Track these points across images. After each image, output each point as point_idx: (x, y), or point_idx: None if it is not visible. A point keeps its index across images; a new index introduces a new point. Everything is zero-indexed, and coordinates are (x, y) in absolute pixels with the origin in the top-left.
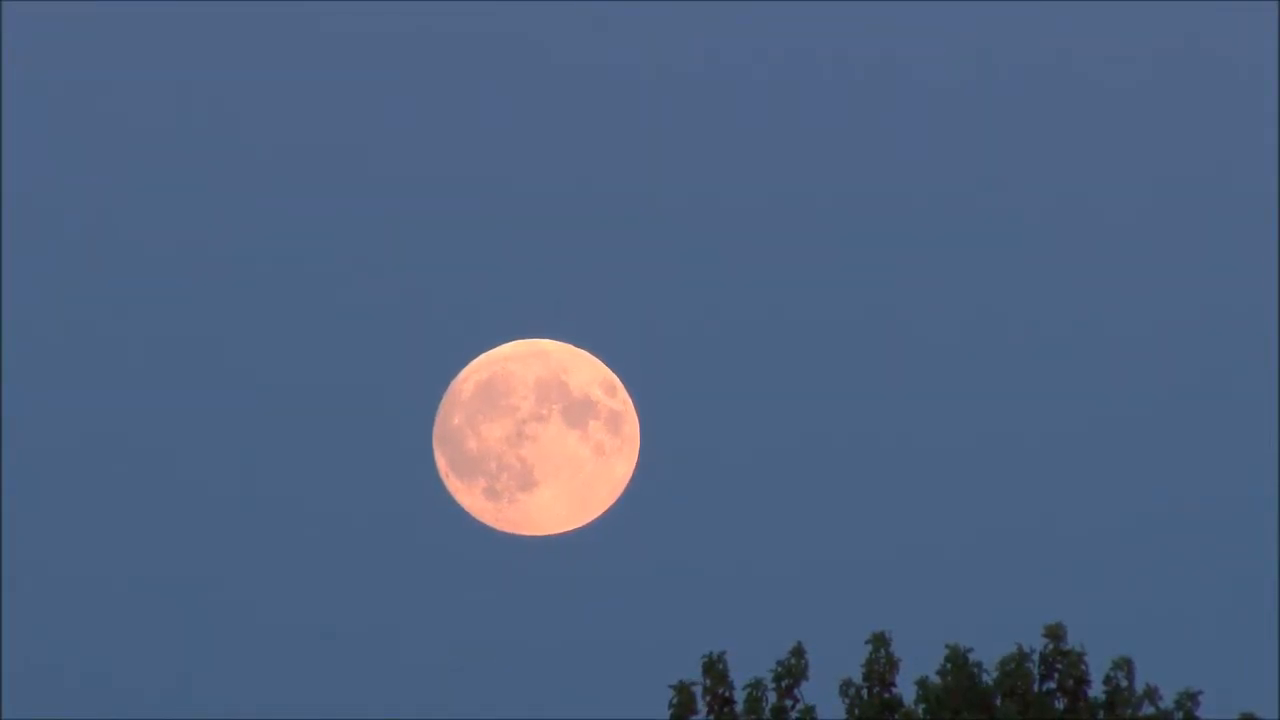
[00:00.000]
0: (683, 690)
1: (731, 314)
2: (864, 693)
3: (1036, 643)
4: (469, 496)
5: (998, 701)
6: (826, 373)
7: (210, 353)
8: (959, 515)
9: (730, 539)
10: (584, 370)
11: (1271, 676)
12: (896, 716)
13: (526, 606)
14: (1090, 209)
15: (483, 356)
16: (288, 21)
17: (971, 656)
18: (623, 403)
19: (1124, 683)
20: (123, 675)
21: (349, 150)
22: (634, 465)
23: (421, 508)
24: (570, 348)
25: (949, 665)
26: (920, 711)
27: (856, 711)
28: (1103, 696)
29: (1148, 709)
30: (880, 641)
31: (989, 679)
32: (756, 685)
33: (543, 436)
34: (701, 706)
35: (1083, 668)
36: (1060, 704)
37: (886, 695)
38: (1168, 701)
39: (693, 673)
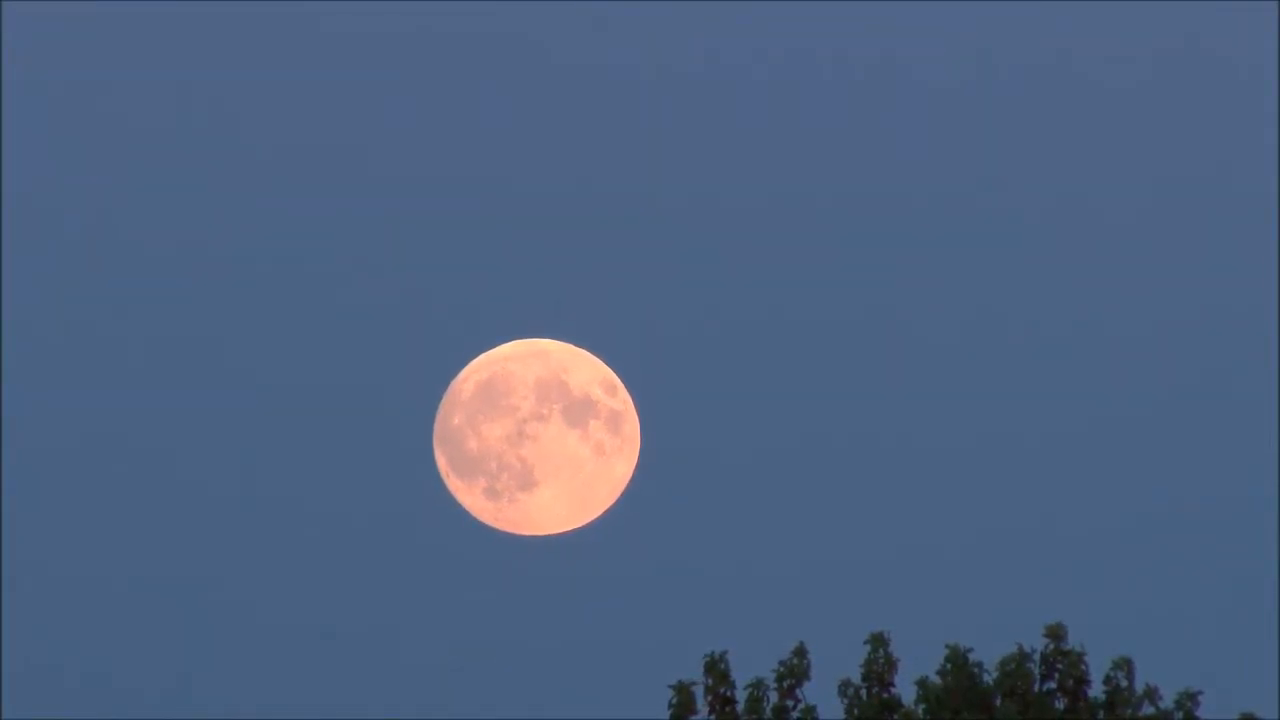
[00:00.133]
0: (682, 690)
1: (731, 314)
2: (863, 693)
3: (1036, 643)
4: (469, 496)
5: (998, 701)
6: (826, 373)
7: (210, 353)
8: (959, 515)
9: (730, 539)
10: (584, 370)
11: (1271, 676)
12: (896, 716)
13: (526, 606)
14: (1090, 209)
15: (483, 356)
16: (288, 21)
17: (971, 656)
18: (623, 402)
19: (1124, 683)
20: (123, 675)
21: (349, 150)
22: (634, 465)
23: (422, 508)
24: (570, 347)
25: (949, 665)
26: (920, 711)
27: (855, 712)
28: (1103, 696)
29: (1148, 709)
30: (879, 642)
31: (989, 679)
32: (758, 685)
33: (543, 436)
34: (702, 706)
35: (1083, 668)
36: (1060, 704)
37: (885, 695)
38: (1168, 701)
39: (693, 673)
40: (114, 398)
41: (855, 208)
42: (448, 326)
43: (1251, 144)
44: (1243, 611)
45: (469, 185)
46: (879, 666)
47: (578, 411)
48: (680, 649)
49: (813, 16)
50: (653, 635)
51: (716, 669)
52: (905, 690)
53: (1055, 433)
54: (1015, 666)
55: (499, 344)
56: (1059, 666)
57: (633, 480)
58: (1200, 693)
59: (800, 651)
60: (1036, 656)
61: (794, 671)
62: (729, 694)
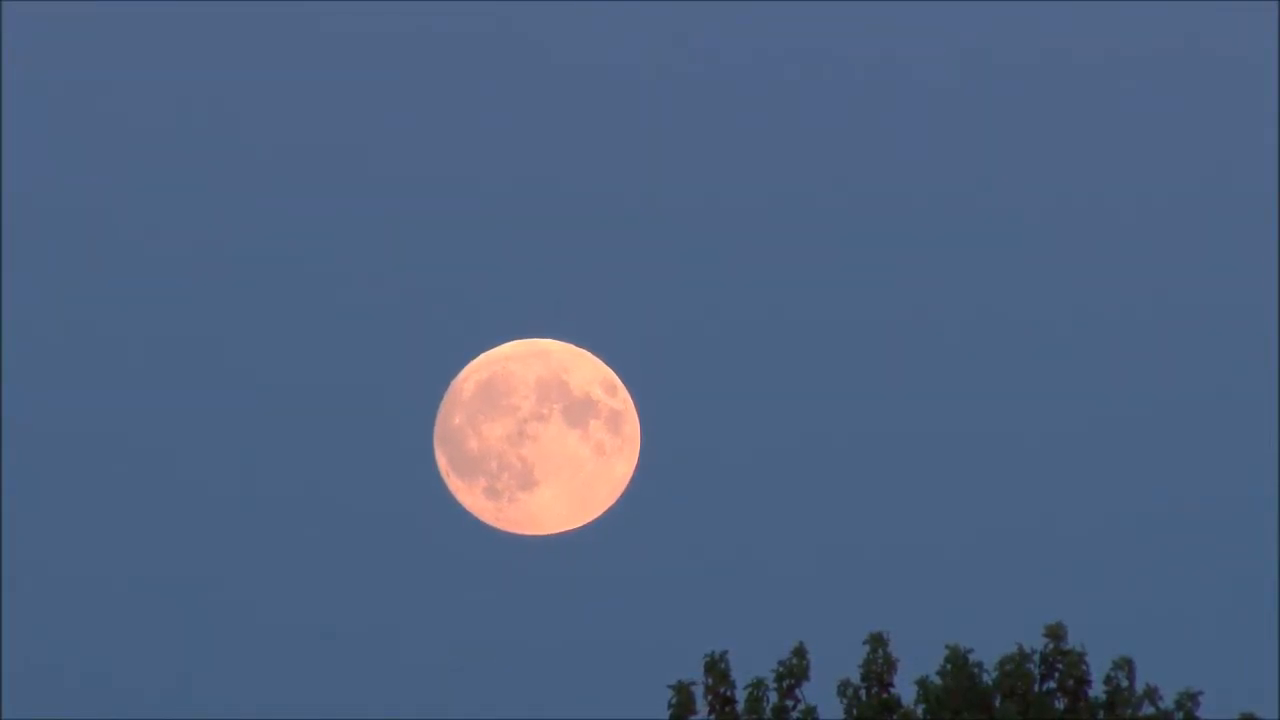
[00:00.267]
0: (682, 690)
1: (731, 314)
2: (862, 693)
3: (1036, 643)
4: (470, 496)
5: (998, 702)
6: (826, 372)
7: (210, 353)
8: (959, 515)
9: (730, 539)
10: (584, 370)
11: (1271, 676)
12: (895, 717)
13: (526, 606)
14: (1090, 209)
15: (483, 356)
16: (288, 21)
17: (971, 656)
18: (623, 402)
19: (1124, 683)
20: (123, 675)
21: (349, 150)
22: (634, 465)
23: (422, 507)
24: (571, 347)
25: (949, 665)
26: (920, 712)
27: (855, 712)
28: (1103, 696)
29: (1148, 709)
30: (878, 642)
31: (989, 679)
32: (758, 685)
33: (543, 436)
34: (702, 706)
35: (1083, 668)
36: (1060, 704)
37: (885, 695)
38: (1168, 701)
39: (693, 673)
40: (114, 398)
41: (855, 208)
42: (448, 326)
43: (1251, 144)
44: (1243, 611)
45: (469, 185)
46: (878, 666)
47: (578, 411)
48: (680, 649)
49: (813, 16)
50: (653, 635)
51: (716, 669)
52: (905, 690)
53: (1055, 433)
54: (1015, 666)
55: (499, 344)
56: (1059, 666)
57: (633, 480)
58: (1200, 693)
59: (800, 651)
60: (1036, 656)
61: (793, 671)
62: (729, 694)
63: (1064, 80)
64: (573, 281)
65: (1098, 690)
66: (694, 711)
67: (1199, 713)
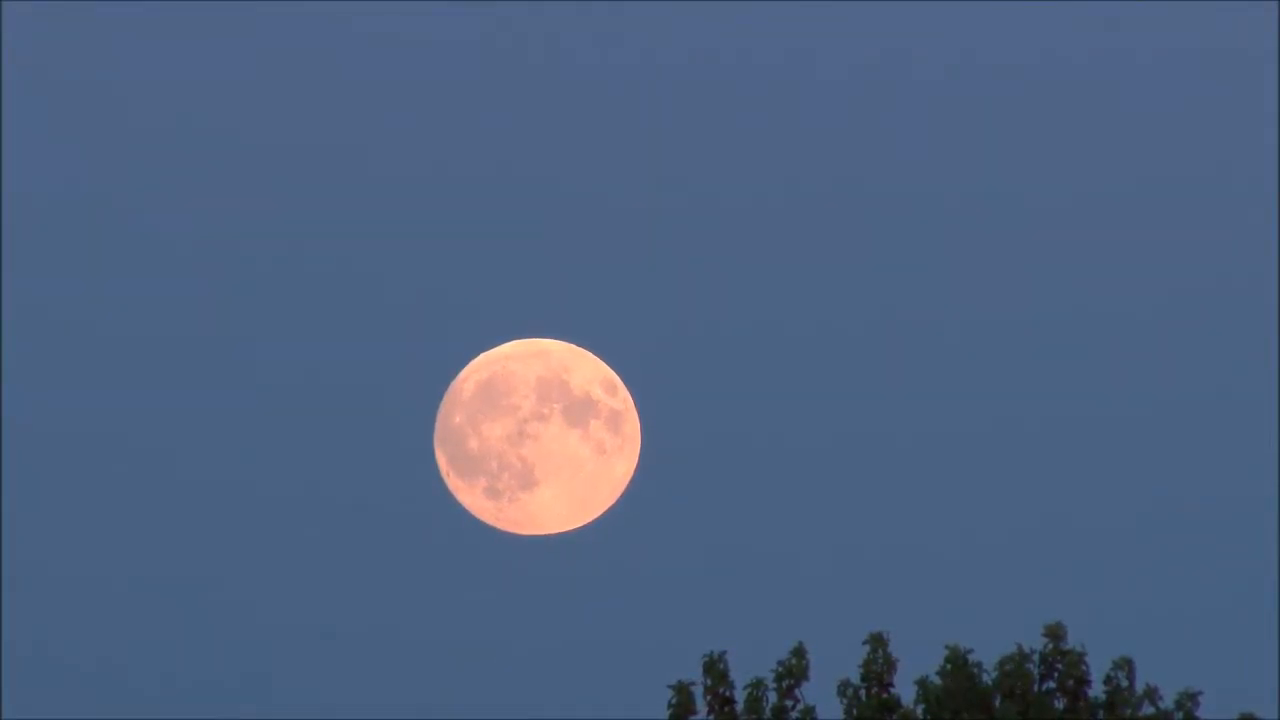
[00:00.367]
0: (682, 690)
1: (731, 314)
2: (862, 693)
3: (1036, 643)
4: (470, 496)
5: (998, 702)
6: (827, 373)
7: (210, 353)
8: (959, 515)
9: (730, 539)
10: (585, 369)
11: (1271, 676)
12: (895, 717)
13: (526, 606)
14: (1090, 208)
15: (483, 356)
16: (288, 21)
17: (971, 657)
18: (623, 402)
19: (1124, 683)
20: (123, 675)
21: (349, 150)
22: (635, 464)
23: (422, 507)
24: (571, 347)
25: (949, 665)
26: (920, 712)
27: (855, 712)
28: (1103, 696)
29: (1148, 709)
30: (878, 642)
31: (989, 679)
32: (757, 685)
33: (544, 435)
34: (701, 706)
35: (1083, 668)
36: (1060, 704)
37: (885, 696)
38: (1168, 701)
39: (693, 673)
40: (114, 398)
41: (855, 207)
42: (448, 326)
43: (1251, 144)
44: (1243, 611)
45: (469, 185)
46: (878, 667)
47: (578, 411)
48: (680, 649)
49: (813, 16)
50: (653, 635)
51: (716, 669)
52: (905, 690)
53: (1055, 433)
54: (1015, 666)
55: (499, 343)
56: (1059, 666)
57: (633, 480)
58: (1200, 693)
59: (799, 652)
60: (1036, 656)
61: (792, 672)
62: (728, 694)
63: (1063, 80)
64: (573, 281)
65: (1097, 690)
66: (694, 711)
67: (1199, 713)
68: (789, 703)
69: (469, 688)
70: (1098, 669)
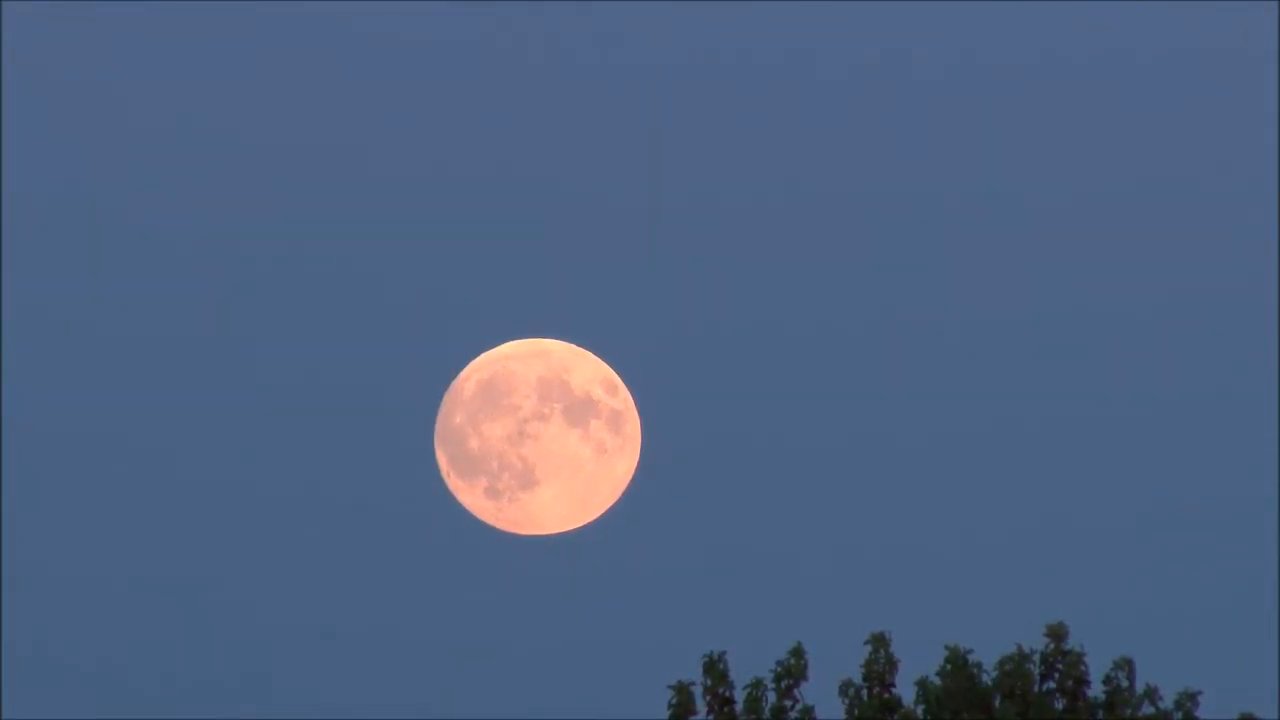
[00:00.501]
0: (682, 690)
1: (731, 314)
2: (863, 693)
3: (1036, 643)
4: (470, 496)
5: (998, 702)
6: (826, 373)
7: (210, 353)
8: (959, 515)
9: (730, 539)
10: (585, 369)
11: (1271, 676)
12: (896, 717)
13: (526, 606)
14: (1090, 208)
15: (484, 355)
16: (288, 21)
17: (971, 657)
18: (624, 402)
19: (1124, 683)
20: (123, 675)
21: (349, 150)
22: (635, 464)
23: (422, 507)
24: (571, 346)
25: (949, 665)
26: (920, 712)
27: (856, 712)
28: (1103, 696)
29: (1148, 709)
30: (879, 642)
31: (989, 679)
32: (757, 685)
33: (544, 435)
34: (701, 706)
35: (1083, 668)
36: (1060, 704)
37: (886, 696)
38: (1168, 701)
39: (693, 673)
40: (114, 398)
41: (855, 207)
42: (448, 326)
43: (1251, 144)
44: (1243, 611)
45: (469, 185)
46: (879, 667)
47: (579, 411)
48: (680, 649)
49: (813, 16)
50: (653, 635)
51: (715, 669)
52: (905, 691)
53: (1055, 432)
54: (1015, 667)
55: (500, 343)
56: (1059, 666)
57: (633, 480)
58: (1200, 693)
59: (798, 652)
60: (1036, 657)
61: (791, 672)
62: (728, 694)
63: (1063, 80)
64: (573, 281)
65: (1097, 690)
66: (693, 711)
67: (1198, 713)
68: (788, 703)
69: (469, 688)
70: (1098, 669)
